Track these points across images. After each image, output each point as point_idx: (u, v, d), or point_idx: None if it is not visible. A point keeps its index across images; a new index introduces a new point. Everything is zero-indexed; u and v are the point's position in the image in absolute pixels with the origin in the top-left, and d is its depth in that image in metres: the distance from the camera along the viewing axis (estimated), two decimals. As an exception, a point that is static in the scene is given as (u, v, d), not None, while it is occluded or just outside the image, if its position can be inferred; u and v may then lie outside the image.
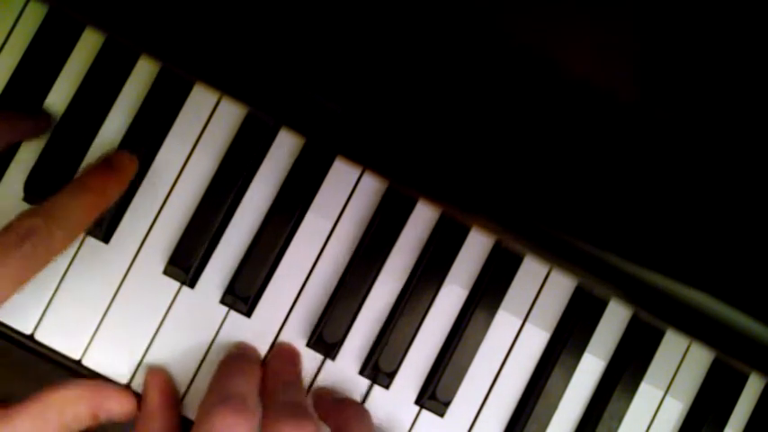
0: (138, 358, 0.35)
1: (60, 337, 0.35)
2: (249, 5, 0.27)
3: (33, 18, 0.36)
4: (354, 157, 0.31)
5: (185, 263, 0.35)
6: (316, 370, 0.36)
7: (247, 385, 0.32)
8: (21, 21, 0.36)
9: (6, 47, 0.36)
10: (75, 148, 0.35)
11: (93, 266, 0.35)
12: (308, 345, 0.36)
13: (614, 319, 0.37)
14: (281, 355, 0.36)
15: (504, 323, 0.37)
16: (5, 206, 0.35)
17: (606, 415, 0.37)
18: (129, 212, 0.36)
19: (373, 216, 0.36)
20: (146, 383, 0.35)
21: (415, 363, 0.37)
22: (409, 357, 0.36)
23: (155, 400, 0.34)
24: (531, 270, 0.37)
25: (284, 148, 0.36)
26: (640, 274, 0.28)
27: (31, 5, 0.36)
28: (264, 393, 0.33)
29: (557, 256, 0.29)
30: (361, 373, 0.36)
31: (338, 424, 0.33)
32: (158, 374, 0.35)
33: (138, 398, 0.35)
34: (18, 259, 0.28)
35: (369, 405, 0.36)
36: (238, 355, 0.34)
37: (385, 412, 0.36)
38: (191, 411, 0.35)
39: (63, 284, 0.35)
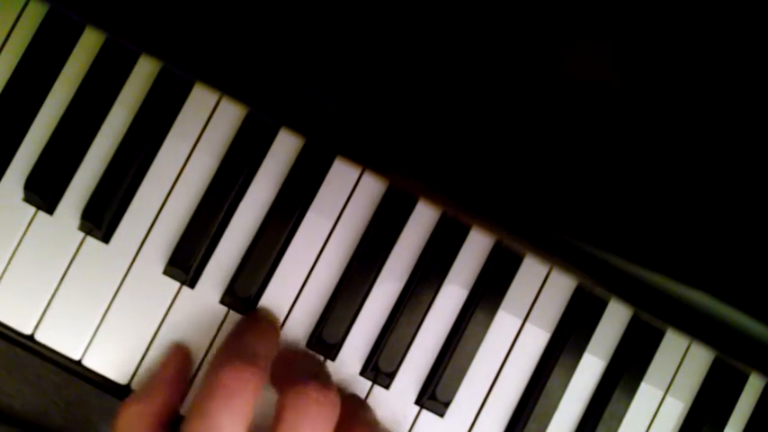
0: (139, 358, 0.35)
1: (60, 337, 0.35)
2: (249, 5, 0.27)
3: (33, 18, 0.36)
4: (354, 157, 0.31)
5: (185, 263, 0.35)
6: (316, 370, 0.36)
7: (263, 346, 0.31)
8: (21, 21, 0.36)
9: (6, 47, 0.36)
10: (75, 149, 0.35)
11: (93, 266, 0.35)
12: (308, 345, 0.36)
13: (614, 319, 0.37)
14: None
15: (504, 323, 0.37)
16: (5, 206, 0.35)
17: (606, 415, 0.37)
18: (129, 212, 0.36)
19: (373, 216, 0.36)
20: (167, 357, 0.34)
21: (415, 363, 0.37)
22: (409, 357, 0.36)
23: (169, 374, 0.34)
24: (531, 270, 0.37)
25: (284, 148, 0.36)
26: (640, 274, 0.28)
27: (31, 5, 0.36)
28: (285, 364, 0.33)
29: (557, 256, 0.29)
30: (362, 373, 0.36)
31: (344, 413, 0.32)
32: (181, 352, 0.35)
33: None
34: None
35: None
36: (258, 317, 0.34)
37: (385, 412, 0.36)
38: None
39: (63, 284, 0.35)
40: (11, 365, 0.39)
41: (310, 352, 0.35)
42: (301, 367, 0.32)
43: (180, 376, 0.34)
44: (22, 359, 0.39)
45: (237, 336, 0.33)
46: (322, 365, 0.33)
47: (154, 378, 0.34)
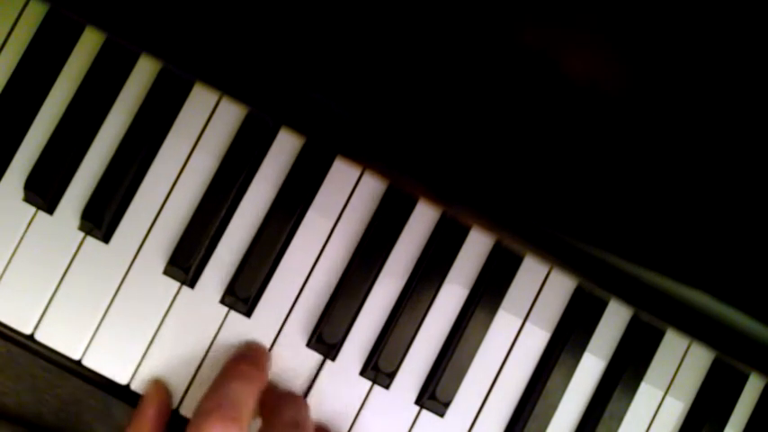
0: (138, 358, 0.35)
1: (60, 337, 0.35)
2: (249, 5, 0.27)
3: (33, 18, 0.36)
4: (354, 157, 0.31)
5: (185, 263, 0.35)
6: (316, 370, 0.36)
7: (245, 391, 0.32)
8: (21, 21, 0.36)
9: (6, 47, 0.36)
10: (76, 148, 0.35)
11: (93, 266, 0.35)
12: (308, 345, 0.36)
13: (614, 319, 0.37)
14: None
15: (504, 323, 0.37)
16: (5, 206, 0.35)
17: (606, 415, 0.37)
18: (129, 212, 0.36)
19: (373, 216, 0.36)
20: (145, 395, 0.35)
21: (415, 363, 0.37)
22: (409, 357, 0.36)
23: (149, 414, 0.34)
24: (531, 270, 0.37)
25: (284, 148, 0.36)
26: (640, 274, 0.28)
27: (31, 5, 0.36)
28: (265, 408, 0.33)
29: (557, 256, 0.29)
30: (362, 373, 0.36)
31: None
32: (159, 389, 0.35)
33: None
34: None
35: (369, 405, 0.36)
36: (243, 358, 0.34)
37: (385, 412, 0.36)
38: (189, 412, 0.35)
39: (63, 284, 0.35)
40: (7, 364, 0.38)
41: (294, 394, 0.35)
42: (282, 419, 0.32)
43: (160, 411, 0.34)
44: (17, 358, 0.39)
45: (220, 382, 0.33)
46: (303, 413, 0.34)
47: (136, 415, 0.34)
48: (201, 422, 0.29)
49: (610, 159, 0.28)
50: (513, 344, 0.37)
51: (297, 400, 0.34)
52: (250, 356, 0.35)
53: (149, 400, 0.34)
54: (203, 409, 0.30)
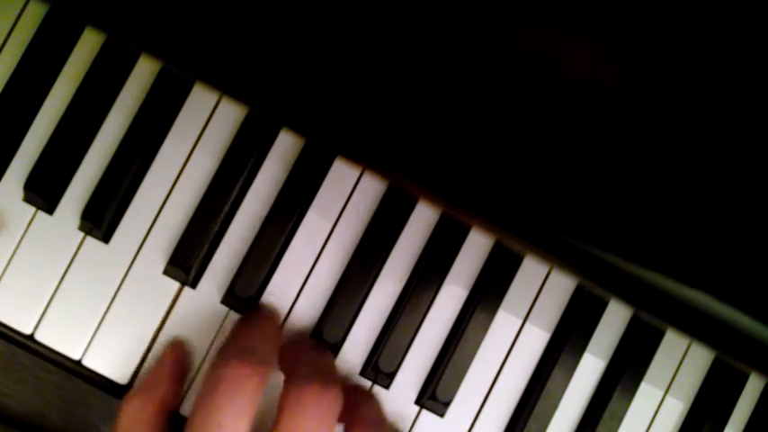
0: (139, 358, 0.35)
1: (60, 337, 0.35)
2: (249, 5, 0.27)
3: (33, 18, 0.36)
4: (354, 157, 0.31)
5: (185, 263, 0.35)
6: (316, 370, 0.36)
7: (265, 342, 0.32)
8: (21, 21, 0.36)
9: (6, 47, 0.36)
10: (75, 148, 0.35)
11: (93, 266, 0.35)
12: (308, 345, 0.36)
13: (614, 319, 0.37)
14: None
15: (504, 323, 0.37)
16: (5, 206, 0.35)
17: (606, 415, 0.37)
18: (129, 212, 0.36)
19: (373, 216, 0.36)
20: (165, 352, 0.35)
21: (415, 363, 0.37)
22: (409, 357, 0.36)
23: (167, 369, 0.34)
24: (531, 270, 0.37)
25: (284, 149, 0.36)
26: (640, 274, 0.28)
27: (31, 5, 0.36)
28: (293, 353, 0.33)
29: (557, 256, 0.29)
30: (362, 373, 0.36)
31: (347, 406, 0.33)
32: (177, 348, 0.35)
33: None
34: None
35: (369, 405, 0.36)
36: (259, 314, 0.35)
37: (385, 412, 0.36)
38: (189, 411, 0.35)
39: (63, 284, 0.35)
40: (9, 365, 0.38)
41: (317, 343, 0.36)
42: (305, 363, 0.32)
43: (178, 371, 0.34)
44: (20, 359, 0.39)
45: (239, 333, 0.33)
46: (326, 358, 0.34)
47: (153, 372, 0.34)
48: (224, 365, 0.29)
49: (610, 159, 0.28)
50: (513, 344, 0.37)
51: (326, 353, 0.34)
52: (264, 313, 0.35)
53: (165, 358, 0.34)
54: (225, 353, 0.30)
